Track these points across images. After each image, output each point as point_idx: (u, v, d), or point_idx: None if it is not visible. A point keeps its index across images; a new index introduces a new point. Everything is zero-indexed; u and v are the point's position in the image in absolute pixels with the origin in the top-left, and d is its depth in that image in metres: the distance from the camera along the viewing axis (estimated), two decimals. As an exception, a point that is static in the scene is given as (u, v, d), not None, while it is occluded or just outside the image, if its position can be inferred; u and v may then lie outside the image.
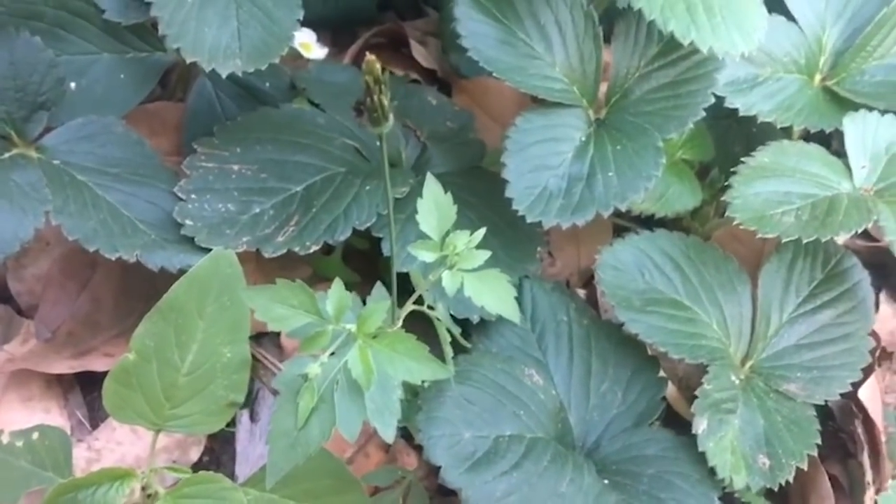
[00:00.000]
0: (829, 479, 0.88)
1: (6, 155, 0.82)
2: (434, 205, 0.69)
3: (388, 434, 0.64)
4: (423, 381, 0.70)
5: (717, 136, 1.01)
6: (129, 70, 0.92)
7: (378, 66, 0.54)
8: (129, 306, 0.90)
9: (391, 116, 0.59)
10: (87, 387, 0.89)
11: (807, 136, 0.95)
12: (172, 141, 0.99)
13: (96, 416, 0.88)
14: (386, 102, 0.57)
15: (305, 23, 0.86)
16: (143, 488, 0.68)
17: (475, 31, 0.88)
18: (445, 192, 0.72)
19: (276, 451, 0.62)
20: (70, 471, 0.74)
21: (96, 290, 0.91)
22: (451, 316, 0.79)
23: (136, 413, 0.67)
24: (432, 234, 0.69)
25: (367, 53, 0.54)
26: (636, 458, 0.82)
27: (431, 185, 0.70)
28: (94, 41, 0.91)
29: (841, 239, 1.01)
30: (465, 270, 0.68)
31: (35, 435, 0.75)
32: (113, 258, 0.79)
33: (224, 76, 0.79)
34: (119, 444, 0.86)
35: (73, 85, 0.89)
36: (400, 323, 0.71)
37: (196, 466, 0.85)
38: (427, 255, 0.68)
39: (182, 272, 0.76)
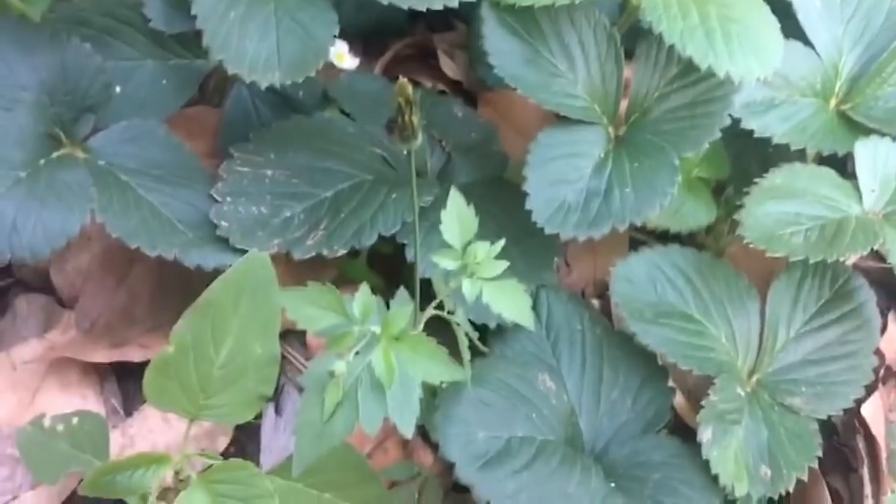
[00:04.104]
0: (830, 491, 0.91)
1: (55, 154, 0.86)
2: (457, 216, 0.73)
3: (408, 430, 0.68)
4: (441, 382, 0.74)
5: (733, 155, 1.04)
6: (171, 76, 0.96)
7: (410, 87, 0.58)
8: (165, 301, 0.94)
9: (420, 134, 0.63)
10: (121, 376, 0.94)
11: (823, 158, 0.98)
12: (209, 144, 1.03)
13: (130, 404, 0.93)
14: (416, 121, 0.61)
15: (338, 33, 0.90)
16: (176, 473, 0.72)
17: (501, 49, 0.91)
18: (468, 202, 0.75)
19: (303, 441, 0.66)
20: (107, 454, 0.78)
21: (134, 285, 0.95)
22: (470, 321, 0.83)
23: (172, 402, 0.71)
24: (454, 244, 0.72)
25: (400, 77, 0.58)
26: (643, 464, 0.86)
27: (455, 198, 0.74)
28: (139, 48, 0.95)
29: (852, 259, 1.03)
30: (485, 279, 0.72)
31: (75, 420, 0.80)
32: (152, 255, 0.83)
33: (263, 88, 0.83)
34: (151, 431, 0.90)
35: (118, 89, 0.93)
36: (421, 326, 0.75)
37: (223, 455, 0.89)
38: (449, 264, 0.72)
39: (217, 271, 0.80)
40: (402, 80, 0.58)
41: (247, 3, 0.85)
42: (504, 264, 0.72)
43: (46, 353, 0.91)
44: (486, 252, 0.72)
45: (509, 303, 0.71)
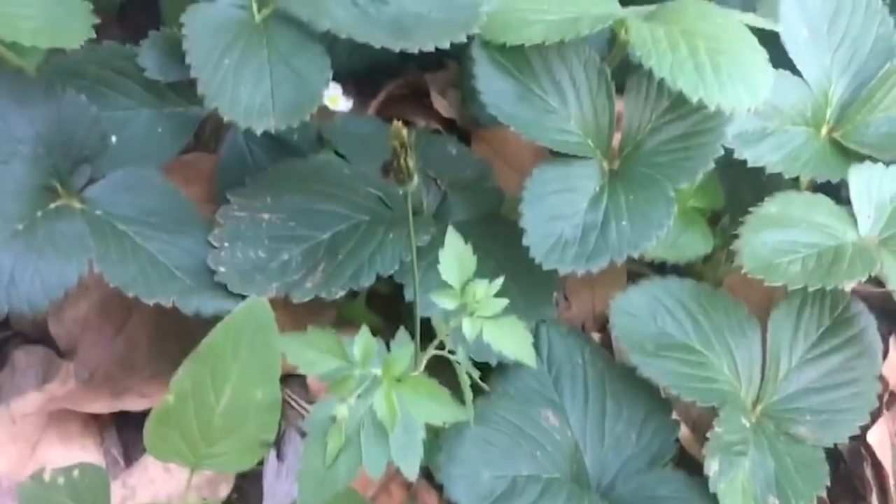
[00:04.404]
0: (840, 520, 0.91)
1: (52, 205, 0.86)
2: (455, 255, 0.73)
3: (412, 473, 0.68)
4: (443, 423, 0.73)
5: (728, 184, 1.05)
6: (167, 124, 0.97)
7: (405, 131, 0.59)
8: (163, 348, 0.94)
9: (416, 176, 0.63)
10: (122, 426, 0.93)
11: (817, 186, 0.99)
12: (205, 189, 1.03)
13: (130, 454, 0.92)
14: (411, 164, 0.61)
15: (332, 76, 0.91)
16: (179, 524, 0.71)
17: (493, 88, 0.92)
18: (465, 240, 0.75)
19: (306, 489, 0.66)
20: (108, 506, 0.77)
21: (132, 333, 0.95)
22: (471, 360, 0.82)
23: (174, 451, 0.71)
24: (453, 283, 0.72)
25: (395, 120, 0.58)
26: (650, 498, 0.85)
27: (452, 236, 0.74)
28: (134, 97, 0.96)
29: (851, 285, 1.03)
30: (485, 317, 0.72)
31: (75, 472, 0.79)
32: (151, 303, 0.83)
33: (258, 134, 0.84)
34: (152, 481, 0.89)
35: (114, 138, 0.93)
36: (423, 366, 0.75)
37: (226, 503, 0.89)
38: (448, 303, 0.72)
39: (216, 317, 0.80)
40: (397, 123, 0.59)
41: (241, 50, 0.86)
42: (504, 302, 0.72)
43: (46, 405, 0.91)
44: (486, 290, 0.72)
45: (510, 340, 0.71)
